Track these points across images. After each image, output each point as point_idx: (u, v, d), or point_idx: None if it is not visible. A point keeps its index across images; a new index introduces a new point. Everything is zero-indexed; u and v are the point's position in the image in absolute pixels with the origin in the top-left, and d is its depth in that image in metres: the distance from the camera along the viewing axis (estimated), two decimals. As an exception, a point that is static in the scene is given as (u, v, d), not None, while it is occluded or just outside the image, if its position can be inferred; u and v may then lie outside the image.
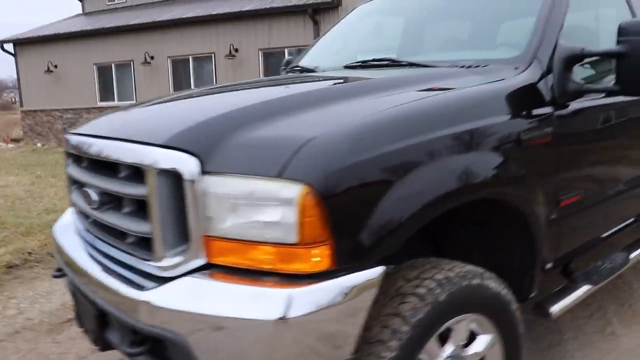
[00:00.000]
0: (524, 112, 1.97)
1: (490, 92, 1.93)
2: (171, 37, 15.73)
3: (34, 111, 18.66)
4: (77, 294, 2.03)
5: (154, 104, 2.23)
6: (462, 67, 2.20)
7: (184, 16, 15.41)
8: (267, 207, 1.43)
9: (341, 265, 1.44)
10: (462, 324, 1.79)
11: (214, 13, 14.89)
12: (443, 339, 1.77)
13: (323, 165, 1.41)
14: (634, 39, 2.02)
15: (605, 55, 2.11)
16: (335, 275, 1.44)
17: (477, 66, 2.20)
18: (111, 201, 1.85)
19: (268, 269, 1.47)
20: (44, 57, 17.92)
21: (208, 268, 1.56)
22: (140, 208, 1.67)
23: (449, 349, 1.78)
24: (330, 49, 3.31)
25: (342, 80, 2.32)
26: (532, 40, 2.19)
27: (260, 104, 1.76)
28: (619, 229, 2.94)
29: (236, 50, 14.85)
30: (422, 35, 3.09)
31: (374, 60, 2.54)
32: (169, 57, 15.99)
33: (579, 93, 2.16)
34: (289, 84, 2.46)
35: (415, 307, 1.60)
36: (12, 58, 18.81)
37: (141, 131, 1.79)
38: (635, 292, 3.50)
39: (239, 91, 2.44)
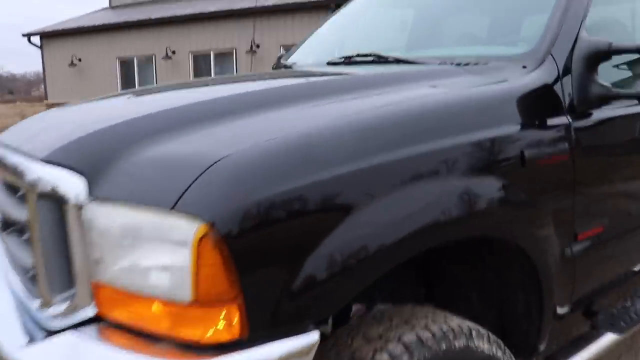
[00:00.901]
0: (532, 123, 1.55)
1: (486, 96, 1.51)
2: (193, 32, 15.54)
3: (59, 104, 18.69)
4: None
5: (79, 104, 1.88)
6: (457, 64, 1.78)
7: (205, 11, 15.18)
8: (155, 249, 1.05)
9: (257, 333, 1.05)
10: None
11: (235, 8, 14.62)
12: None
13: (231, 196, 1.03)
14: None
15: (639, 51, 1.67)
16: (248, 347, 1.05)
17: (475, 64, 1.78)
18: (14, 223, 1.50)
19: (163, 333, 1.09)
20: (68, 50, 17.95)
21: (102, 320, 1.20)
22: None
23: None
24: (323, 43, 2.92)
25: (304, 80, 1.92)
26: (546, 33, 1.76)
27: (173, 110, 1.38)
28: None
29: (257, 46, 14.55)
30: (422, 28, 2.67)
31: (357, 55, 2.14)
32: (190, 52, 15.80)
33: (605, 99, 1.73)
34: (236, 82, 2.07)
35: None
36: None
37: (38, 141, 1.43)
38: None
39: (170, 92, 2.04)
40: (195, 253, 1.00)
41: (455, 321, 1.41)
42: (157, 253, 1.04)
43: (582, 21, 1.80)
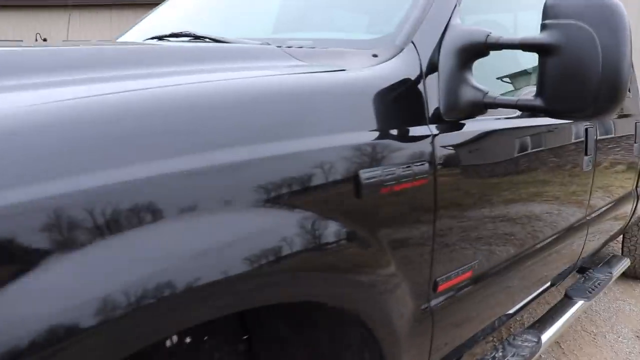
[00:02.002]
0: (376, 133, 1.09)
1: (297, 86, 1.01)
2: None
3: None
4: None
5: None
6: (278, 46, 1.26)
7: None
8: None
9: None
10: None
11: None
12: None
13: None
14: (567, 23, 1.20)
15: (524, 47, 1.27)
16: None
17: (312, 47, 1.30)
18: None
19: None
20: None
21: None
22: None
23: None
24: (166, 22, 2.34)
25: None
26: (407, 16, 1.33)
27: None
28: (532, 298, 2.18)
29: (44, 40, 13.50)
30: (290, 12, 2.18)
31: (171, 35, 1.60)
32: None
33: (480, 106, 1.32)
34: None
35: None
36: None
37: None
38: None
39: None
40: None
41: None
42: None
43: (455, 5, 1.39)
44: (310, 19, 1.93)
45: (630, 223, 3.34)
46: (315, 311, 1.16)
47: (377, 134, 1.07)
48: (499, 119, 1.56)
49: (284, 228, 0.87)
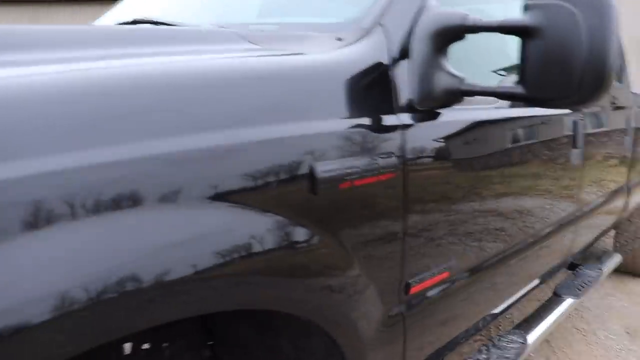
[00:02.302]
0: (335, 122, 0.99)
1: (250, 72, 0.90)
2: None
3: None
4: None
5: None
6: (234, 31, 1.14)
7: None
8: None
9: None
10: None
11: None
12: None
13: None
14: (549, 3, 1.10)
15: (503, 30, 1.17)
16: None
17: (272, 32, 1.20)
18: None
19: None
20: None
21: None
22: None
23: None
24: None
25: None
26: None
27: None
28: (520, 297, 2.10)
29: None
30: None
31: (134, 21, 1.48)
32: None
33: (456, 94, 1.22)
34: None
35: None
36: None
37: None
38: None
39: None
40: None
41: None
42: None
43: (431, -15, 1.29)
44: (290, 4, 1.83)
45: (621, 218, 3.26)
46: (277, 317, 1.07)
47: (336, 123, 0.97)
48: (479, 109, 1.47)
49: (225, 228, 0.77)
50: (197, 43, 0.99)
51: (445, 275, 1.31)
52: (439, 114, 1.24)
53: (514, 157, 1.60)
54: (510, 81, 1.19)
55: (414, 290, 1.20)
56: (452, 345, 1.59)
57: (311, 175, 0.89)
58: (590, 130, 2.26)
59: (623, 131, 2.78)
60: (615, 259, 3.19)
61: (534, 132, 1.77)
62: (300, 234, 0.89)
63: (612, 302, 3.37)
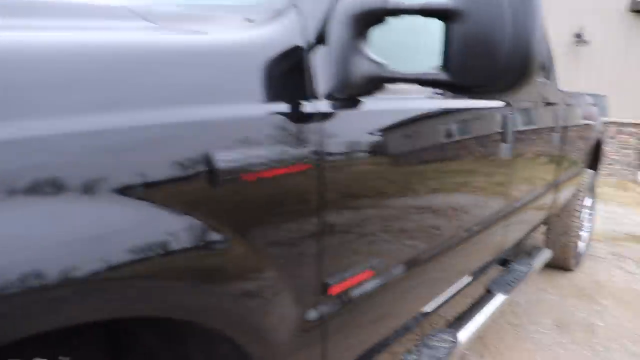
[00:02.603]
0: (238, 107, 0.87)
1: (138, 50, 0.77)
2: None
3: None
4: None
5: None
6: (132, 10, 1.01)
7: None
8: None
9: None
10: None
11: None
12: None
13: None
14: (475, -16, 1.04)
15: (425, 13, 1.10)
16: None
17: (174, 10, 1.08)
18: None
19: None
20: None
21: None
22: None
23: None
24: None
25: None
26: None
27: None
28: (453, 294, 2.06)
29: None
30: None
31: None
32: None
33: (377, 82, 1.14)
34: None
35: None
36: None
37: None
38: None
39: None
40: None
41: None
42: None
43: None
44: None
45: (551, 214, 3.32)
46: (185, 324, 0.95)
47: (239, 109, 0.86)
48: (408, 99, 1.40)
49: (113, 225, 0.66)
50: (81, 18, 0.86)
51: (369, 274, 1.23)
52: (359, 102, 1.16)
53: (442, 150, 1.55)
54: (433, 67, 1.11)
55: (333, 290, 1.11)
56: (382, 345, 1.52)
57: (209, 165, 0.78)
58: (520, 127, 2.25)
59: (551, 128, 2.82)
60: (546, 254, 3.25)
61: (464, 126, 1.72)
62: (202, 232, 0.78)
63: (542, 296, 3.43)
